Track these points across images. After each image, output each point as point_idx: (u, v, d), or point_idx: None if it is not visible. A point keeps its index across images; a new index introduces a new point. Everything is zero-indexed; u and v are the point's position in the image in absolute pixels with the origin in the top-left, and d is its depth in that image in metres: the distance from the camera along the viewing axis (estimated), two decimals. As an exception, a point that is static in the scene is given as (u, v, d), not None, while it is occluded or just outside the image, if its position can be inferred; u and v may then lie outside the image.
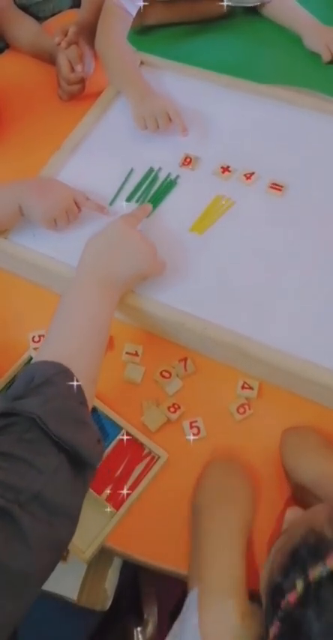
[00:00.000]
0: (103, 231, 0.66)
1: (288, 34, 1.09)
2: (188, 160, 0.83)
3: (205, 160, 0.83)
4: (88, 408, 0.53)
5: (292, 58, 1.06)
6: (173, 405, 0.65)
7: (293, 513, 0.48)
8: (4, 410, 0.48)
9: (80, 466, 0.47)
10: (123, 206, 0.79)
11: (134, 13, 0.99)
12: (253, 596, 0.50)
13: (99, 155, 0.85)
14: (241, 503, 0.56)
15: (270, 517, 0.58)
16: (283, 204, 0.78)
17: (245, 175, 0.80)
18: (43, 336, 0.72)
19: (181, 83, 0.94)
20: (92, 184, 0.81)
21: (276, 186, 0.78)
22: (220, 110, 0.89)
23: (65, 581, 0.42)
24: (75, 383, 0.51)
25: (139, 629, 0.74)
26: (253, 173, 0.80)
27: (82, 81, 0.97)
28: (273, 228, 0.75)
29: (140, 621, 0.74)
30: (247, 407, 0.65)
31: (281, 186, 0.78)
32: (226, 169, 0.81)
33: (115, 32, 0.97)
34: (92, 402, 0.55)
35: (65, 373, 0.51)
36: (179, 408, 0.65)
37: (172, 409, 0.65)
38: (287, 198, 0.78)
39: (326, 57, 1.02)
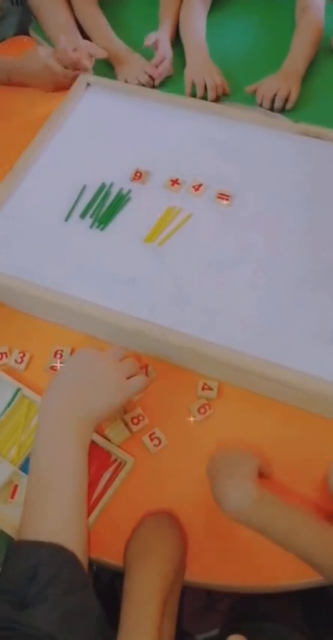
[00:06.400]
0: (67, 365, 0.61)
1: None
2: (139, 174, 0.86)
3: (155, 174, 0.86)
4: (88, 578, 0.51)
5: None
6: (138, 416, 0.67)
7: None
8: (5, 623, 0.45)
9: None
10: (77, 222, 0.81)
11: None
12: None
13: (51, 174, 0.87)
14: (160, 562, 0.56)
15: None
16: (230, 213, 0.82)
17: (194, 187, 0.84)
18: (5, 353, 0.73)
19: (128, 103, 0.97)
20: (47, 202, 0.83)
21: (223, 196, 0.83)
22: (166, 126, 0.93)
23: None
24: (78, 567, 0.49)
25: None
26: (201, 184, 0.84)
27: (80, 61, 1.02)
28: (223, 236, 0.79)
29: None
30: (207, 407, 0.68)
31: (228, 196, 0.83)
32: (175, 182, 0.85)
33: None
34: (87, 557, 0.53)
35: (68, 561, 0.49)
36: (143, 419, 0.67)
37: (135, 420, 0.67)
38: (234, 206, 0.82)
39: (187, 92, 1.11)
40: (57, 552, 0.49)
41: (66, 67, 1.02)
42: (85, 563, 0.51)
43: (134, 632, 0.51)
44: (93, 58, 1.05)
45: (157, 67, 1.13)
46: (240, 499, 0.54)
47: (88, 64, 1.03)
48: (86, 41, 1.11)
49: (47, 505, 0.52)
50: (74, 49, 1.02)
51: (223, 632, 0.48)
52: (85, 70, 1.02)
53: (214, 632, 0.82)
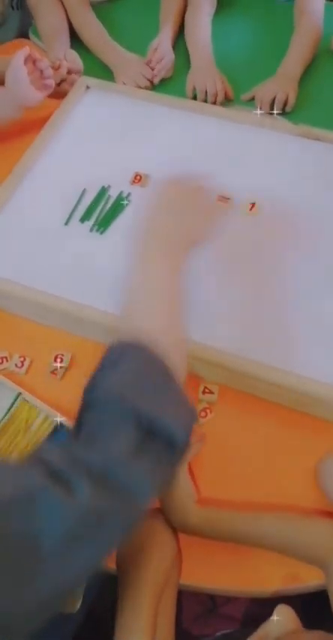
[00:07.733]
0: (159, 200, 0.65)
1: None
2: (138, 177, 0.86)
3: (155, 177, 0.86)
4: (174, 372, 0.49)
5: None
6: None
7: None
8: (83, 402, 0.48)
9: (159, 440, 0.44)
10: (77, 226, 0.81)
11: None
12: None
13: (51, 178, 0.87)
14: (153, 565, 0.56)
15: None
16: (229, 216, 0.81)
17: (193, 190, 0.84)
18: (5, 358, 0.73)
19: (127, 105, 0.97)
20: (46, 206, 0.83)
21: (223, 199, 0.82)
22: (166, 128, 0.93)
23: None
24: (153, 351, 0.48)
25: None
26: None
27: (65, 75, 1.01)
28: (223, 238, 0.79)
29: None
30: (208, 411, 0.68)
31: (228, 199, 0.82)
32: (175, 185, 0.85)
33: None
34: (184, 366, 0.54)
35: (141, 344, 0.49)
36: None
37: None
38: (234, 209, 0.82)
39: (188, 95, 1.10)
40: (132, 340, 0.49)
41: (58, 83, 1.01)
42: (182, 368, 0.51)
43: (130, 630, 0.52)
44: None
45: (152, 68, 1.13)
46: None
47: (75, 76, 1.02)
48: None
49: (138, 312, 0.54)
50: (64, 58, 1.02)
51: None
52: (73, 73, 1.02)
53: (219, 633, 0.81)
